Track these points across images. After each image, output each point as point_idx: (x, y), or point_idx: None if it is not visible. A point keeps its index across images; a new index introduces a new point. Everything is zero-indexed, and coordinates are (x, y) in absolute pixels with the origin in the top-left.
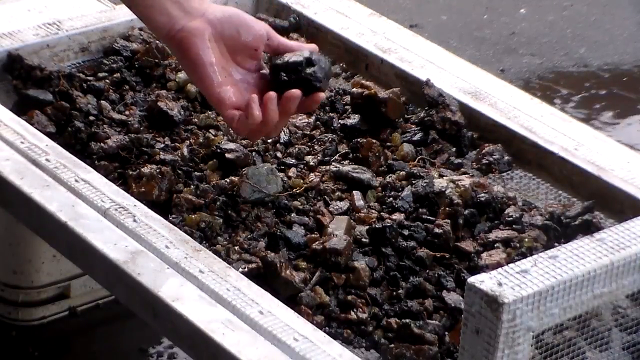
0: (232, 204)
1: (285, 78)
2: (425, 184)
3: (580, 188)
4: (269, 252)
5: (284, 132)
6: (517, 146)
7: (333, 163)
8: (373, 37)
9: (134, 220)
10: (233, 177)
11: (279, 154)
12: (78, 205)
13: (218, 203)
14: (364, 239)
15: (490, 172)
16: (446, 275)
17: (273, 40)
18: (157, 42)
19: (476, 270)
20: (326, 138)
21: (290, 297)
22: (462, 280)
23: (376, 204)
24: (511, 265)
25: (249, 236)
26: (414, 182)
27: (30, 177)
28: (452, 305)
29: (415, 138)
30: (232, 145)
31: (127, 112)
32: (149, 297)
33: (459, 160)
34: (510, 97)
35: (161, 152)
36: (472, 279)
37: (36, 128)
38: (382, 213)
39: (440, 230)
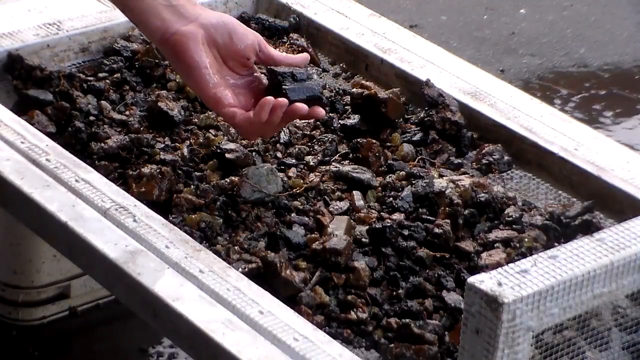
0: (232, 204)
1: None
2: (425, 184)
3: (580, 188)
4: (269, 252)
5: (284, 132)
6: (517, 146)
7: (333, 163)
8: (373, 37)
9: (134, 220)
10: (233, 177)
11: (279, 154)
12: (78, 205)
13: (218, 203)
14: (364, 239)
15: (490, 172)
16: (446, 275)
17: (264, 52)
18: None
19: (476, 270)
20: (326, 138)
21: (290, 297)
22: (462, 280)
23: (376, 204)
24: (511, 265)
25: (249, 236)
26: (414, 182)
27: (30, 177)
28: (452, 305)
29: (415, 138)
30: (232, 146)
31: (127, 112)
32: (149, 297)
33: (459, 160)
34: (510, 97)
35: (161, 152)
36: (472, 279)
37: (36, 128)
38: (382, 213)
39: (440, 230)
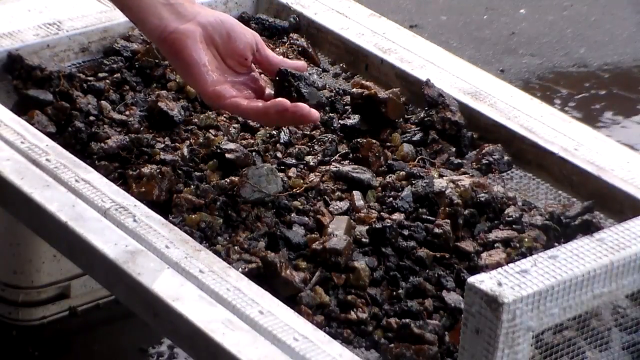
0: (232, 204)
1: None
2: (425, 184)
3: (580, 188)
4: (269, 252)
5: (283, 132)
6: (517, 146)
7: (333, 163)
8: (373, 37)
9: (134, 220)
10: (233, 177)
11: (279, 154)
12: (78, 205)
13: (218, 203)
14: (364, 239)
15: (490, 172)
16: (446, 275)
17: (260, 53)
18: None
19: (476, 270)
20: (326, 138)
21: (290, 297)
22: (462, 280)
23: (376, 204)
24: (511, 265)
25: (249, 236)
26: (414, 182)
27: (30, 177)
28: (452, 305)
29: (415, 138)
30: (232, 145)
31: (127, 112)
32: (149, 297)
33: (459, 160)
34: (510, 97)
35: (161, 152)
36: (472, 279)
37: (36, 128)
38: (382, 213)
39: (440, 230)
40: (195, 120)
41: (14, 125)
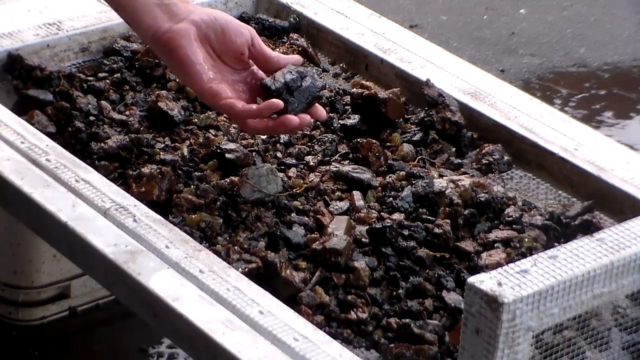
0: (232, 204)
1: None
2: (425, 184)
3: (580, 188)
4: (269, 252)
5: None
6: (517, 146)
7: (333, 163)
8: (373, 37)
9: (134, 220)
10: (233, 177)
11: (279, 154)
12: (78, 205)
13: (218, 203)
14: (364, 239)
15: (490, 172)
16: (446, 275)
17: (256, 47)
18: None
19: (476, 270)
20: (326, 138)
21: (290, 297)
22: (462, 280)
23: (376, 204)
24: (511, 265)
25: (249, 236)
26: (414, 182)
27: (30, 177)
28: (452, 305)
29: (415, 138)
30: (232, 145)
31: (127, 112)
32: (149, 297)
33: (459, 160)
34: (510, 97)
35: (161, 152)
36: (472, 279)
37: (36, 128)
38: (382, 213)
39: (440, 230)
40: (195, 120)
41: (14, 125)
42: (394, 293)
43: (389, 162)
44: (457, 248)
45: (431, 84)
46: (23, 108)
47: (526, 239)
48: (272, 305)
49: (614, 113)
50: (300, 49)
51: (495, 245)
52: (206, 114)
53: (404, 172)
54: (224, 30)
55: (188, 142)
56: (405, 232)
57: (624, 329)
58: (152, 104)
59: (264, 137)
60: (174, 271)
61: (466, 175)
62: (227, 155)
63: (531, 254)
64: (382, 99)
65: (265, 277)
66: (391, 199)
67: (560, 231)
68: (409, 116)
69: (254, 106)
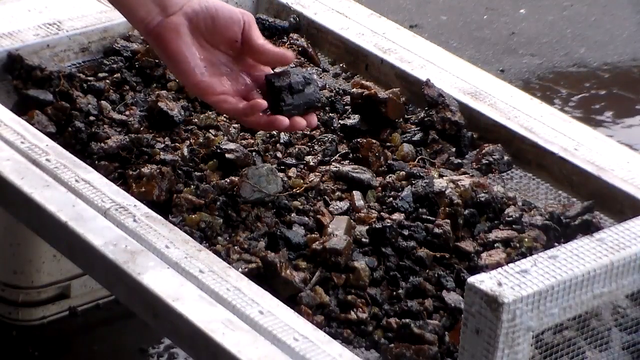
0: (232, 204)
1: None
2: (425, 184)
3: (580, 188)
4: (269, 252)
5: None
6: (517, 146)
7: (333, 163)
8: (373, 37)
9: (134, 220)
10: (233, 177)
11: (279, 154)
12: (78, 205)
13: (218, 203)
14: (364, 239)
15: (490, 172)
16: (446, 275)
17: (246, 33)
18: None
19: (476, 270)
20: (326, 138)
21: (290, 297)
22: (462, 280)
23: (376, 204)
24: (511, 265)
25: (249, 236)
26: (414, 182)
27: (30, 177)
28: (452, 305)
29: (415, 138)
30: (232, 145)
31: (127, 112)
32: (149, 297)
33: (459, 160)
34: (510, 97)
35: (161, 152)
36: (472, 279)
37: (36, 128)
38: (382, 213)
39: (440, 230)
40: (195, 120)
41: (14, 125)
42: (394, 293)
43: (389, 162)
44: (457, 248)
45: (431, 84)
46: (23, 108)
47: (526, 239)
48: (272, 305)
49: (614, 113)
50: (300, 49)
51: (495, 245)
52: (206, 114)
53: (404, 172)
54: (214, 20)
55: (188, 142)
56: (405, 232)
57: (624, 329)
58: (152, 104)
59: (264, 137)
60: (174, 271)
61: (466, 175)
62: (227, 155)
63: (531, 254)
64: (382, 99)
65: (265, 277)
66: (391, 199)
67: (560, 231)
68: (409, 116)
69: (241, 105)
